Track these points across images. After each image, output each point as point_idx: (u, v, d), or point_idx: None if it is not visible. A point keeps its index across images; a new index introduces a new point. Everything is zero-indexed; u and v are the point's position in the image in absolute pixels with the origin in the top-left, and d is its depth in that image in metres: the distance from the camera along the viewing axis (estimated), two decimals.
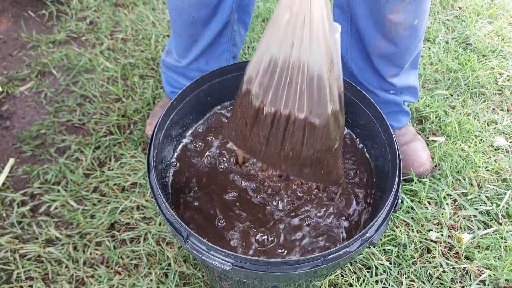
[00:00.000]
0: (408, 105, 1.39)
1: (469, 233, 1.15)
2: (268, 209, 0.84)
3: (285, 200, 0.84)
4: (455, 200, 1.21)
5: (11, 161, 1.30)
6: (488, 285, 1.06)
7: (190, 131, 0.95)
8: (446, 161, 1.28)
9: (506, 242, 1.12)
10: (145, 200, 1.19)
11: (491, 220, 1.17)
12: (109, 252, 1.10)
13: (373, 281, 1.05)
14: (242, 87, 0.68)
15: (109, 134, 1.36)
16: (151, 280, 1.06)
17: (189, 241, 0.67)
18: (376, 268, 1.08)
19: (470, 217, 1.18)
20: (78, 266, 1.09)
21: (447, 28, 1.73)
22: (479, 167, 1.27)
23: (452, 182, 1.24)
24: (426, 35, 1.68)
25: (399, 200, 0.75)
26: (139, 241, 1.13)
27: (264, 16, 1.74)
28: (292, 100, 0.63)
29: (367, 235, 0.69)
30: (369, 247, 1.08)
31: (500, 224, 1.17)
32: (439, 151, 1.29)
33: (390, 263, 1.09)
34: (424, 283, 1.06)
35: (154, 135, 0.79)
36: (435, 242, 1.13)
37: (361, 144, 0.94)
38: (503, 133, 1.38)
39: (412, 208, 1.19)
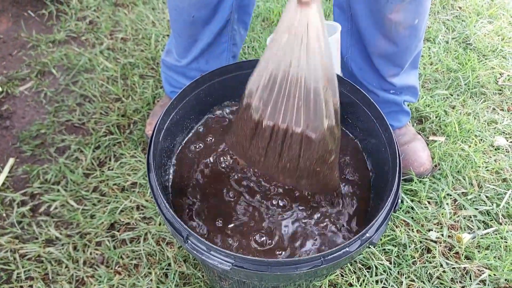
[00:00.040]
0: (408, 105, 1.39)
1: (469, 233, 1.15)
2: (268, 209, 0.83)
3: (285, 201, 0.84)
4: (455, 200, 1.21)
5: (11, 161, 1.30)
6: (488, 285, 1.06)
7: (190, 131, 0.95)
8: (446, 161, 1.28)
9: (506, 242, 1.12)
10: (145, 200, 1.19)
11: (491, 220, 1.17)
12: (109, 252, 1.10)
13: (373, 281, 1.05)
14: (243, 101, 0.71)
15: (109, 134, 1.36)
16: (151, 280, 1.06)
17: (189, 241, 0.67)
18: (376, 268, 1.08)
19: (470, 217, 1.18)
20: (78, 266, 1.09)
21: (447, 28, 1.73)
22: (479, 167, 1.27)
23: (452, 182, 1.24)
24: (426, 34, 1.68)
25: (399, 200, 0.75)
26: (139, 241, 1.12)
27: (264, 16, 1.74)
28: (290, 114, 0.67)
29: (367, 235, 0.69)
30: (369, 247, 1.08)
31: (500, 224, 1.16)
32: (439, 151, 1.29)
33: (390, 263, 1.09)
34: (424, 283, 1.06)
35: (154, 135, 0.78)
36: (435, 242, 1.13)
37: (361, 144, 0.94)
38: (503, 133, 1.38)
39: (412, 208, 1.19)
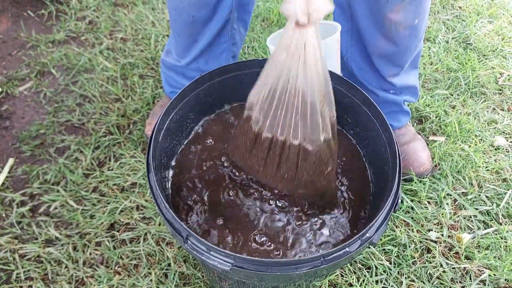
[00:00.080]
0: (408, 105, 1.39)
1: (469, 233, 1.15)
2: (268, 209, 0.83)
3: (285, 201, 0.84)
4: (455, 200, 1.21)
5: (11, 161, 1.30)
6: (488, 285, 1.06)
7: (190, 131, 0.95)
8: (446, 161, 1.28)
9: (506, 242, 1.12)
10: (145, 200, 1.19)
11: (491, 220, 1.17)
12: (109, 252, 1.10)
13: (373, 281, 1.05)
14: (244, 112, 0.74)
15: (109, 134, 1.35)
16: (151, 280, 1.06)
17: (188, 241, 0.67)
18: (376, 268, 1.08)
19: (470, 217, 1.18)
20: (78, 266, 1.09)
21: (447, 28, 1.73)
22: (479, 167, 1.27)
23: (452, 182, 1.24)
24: (426, 34, 1.68)
25: (399, 200, 0.75)
26: (139, 241, 1.12)
27: (264, 16, 1.74)
28: (288, 127, 0.69)
29: (367, 235, 0.69)
30: (369, 247, 1.08)
31: (500, 224, 1.16)
32: (439, 150, 1.29)
33: (390, 263, 1.09)
34: (424, 283, 1.06)
35: (154, 135, 0.78)
36: (435, 242, 1.13)
37: (360, 144, 0.94)
38: (503, 132, 1.38)
39: (412, 208, 1.19)
